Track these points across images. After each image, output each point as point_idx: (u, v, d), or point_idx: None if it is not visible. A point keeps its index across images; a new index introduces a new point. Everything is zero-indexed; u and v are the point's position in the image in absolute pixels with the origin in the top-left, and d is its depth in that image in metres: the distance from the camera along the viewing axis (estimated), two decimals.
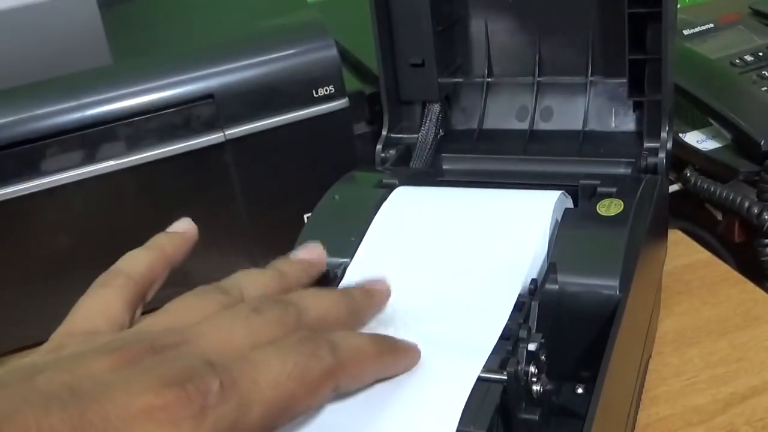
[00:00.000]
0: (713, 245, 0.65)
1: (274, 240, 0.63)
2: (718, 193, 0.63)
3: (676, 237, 0.64)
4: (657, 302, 0.55)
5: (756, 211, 0.61)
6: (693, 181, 0.65)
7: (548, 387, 0.38)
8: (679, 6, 0.57)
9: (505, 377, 0.36)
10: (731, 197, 0.62)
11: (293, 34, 0.62)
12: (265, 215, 0.64)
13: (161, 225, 0.61)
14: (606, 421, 0.37)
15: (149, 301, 0.40)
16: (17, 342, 0.62)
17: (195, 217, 0.62)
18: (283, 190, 0.64)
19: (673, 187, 0.66)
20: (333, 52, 0.62)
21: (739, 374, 0.51)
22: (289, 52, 0.61)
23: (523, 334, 0.37)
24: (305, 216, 0.65)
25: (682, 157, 0.67)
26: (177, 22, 0.70)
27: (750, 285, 0.59)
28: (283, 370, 0.31)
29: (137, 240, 0.61)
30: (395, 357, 0.37)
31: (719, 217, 0.65)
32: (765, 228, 0.61)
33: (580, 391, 0.43)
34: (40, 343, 0.62)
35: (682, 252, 0.63)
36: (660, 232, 0.53)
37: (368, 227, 0.47)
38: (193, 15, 0.71)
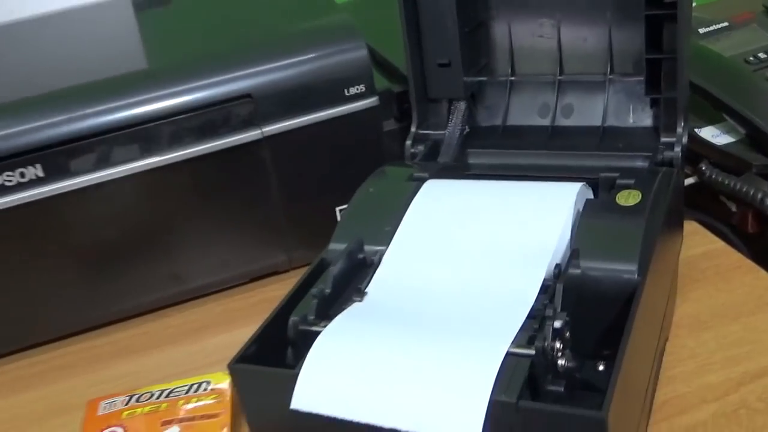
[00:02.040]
0: (727, 235, 0.68)
1: (308, 231, 0.68)
2: (732, 185, 0.66)
3: (691, 228, 0.67)
4: (673, 288, 0.58)
5: None
6: (708, 174, 0.68)
7: (572, 364, 0.42)
8: (694, 4, 0.59)
9: (533, 352, 0.39)
10: (745, 189, 0.65)
11: (326, 35, 0.65)
12: (300, 208, 0.67)
13: (203, 217, 0.66)
14: (625, 394, 0.40)
15: None
16: (62, 330, 0.66)
17: (233, 209, 0.66)
18: (316, 183, 0.67)
19: (689, 180, 0.69)
20: (364, 52, 0.65)
21: (751, 355, 0.54)
22: (322, 53, 0.64)
23: (549, 312, 0.40)
24: (337, 209, 0.68)
25: (698, 151, 0.70)
26: (210, 26, 0.73)
27: (762, 273, 0.61)
28: None
29: (181, 231, 0.65)
30: None
31: (733, 208, 0.68)
32: None
33: (601, 368, 0.46)
34: (87, 330, 0.66)
35: (698, 242, 0.65)
36: (676, 221, 0.55)
37: (402, 217, 0.51)
38: (226, 19, 0.74)
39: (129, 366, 0.63)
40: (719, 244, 0.66)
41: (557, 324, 0.40)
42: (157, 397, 0.55)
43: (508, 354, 0.39)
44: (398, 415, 0.39)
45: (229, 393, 0.55)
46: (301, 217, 0.68)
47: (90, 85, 0.63)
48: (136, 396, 0.56)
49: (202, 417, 0.53)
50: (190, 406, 0.54)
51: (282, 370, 0.43)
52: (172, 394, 0.55)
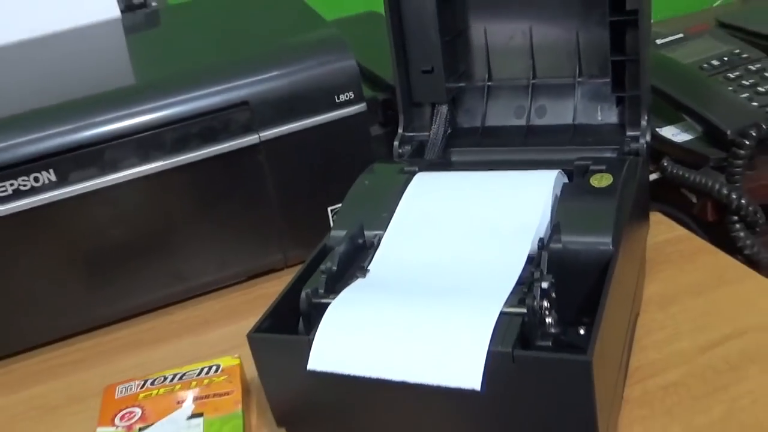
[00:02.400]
0: (689, 225, 0.74)
1: (302, 231, 0.72)
2: (692, 178, 0.72)
3: (656, 218, 0.73)
4: (642, 269, 0.63)
5: (725, 192, 0.69)
6: (669, 169, 0.74)
7: (556, 330, 0.46)
8: (652, 21, 0.65)
9: (524, 310, 0.44)
10: (704, 181, 0.71)
11: (317, 47, 0.71)
12: (294, 209, 0.72)
13: (203, 218, 0.70)
14: (605, 347, 0.45)
15: None
16: (70, 328, 0.70)
17: (232, 210, 0.71)
18: (309, 185, 0.72)
19: (652, 176, 0.75)
20: (352, 62, 0.70)
21: (715, 325, 0.59)
22: (314, 63, 0.69)
23: (537, 275, 0.45)
24: (329, 209, 0.73)
25: (659, 149, 0.75)
26: (205, 43, 0.78)
27: (722, 254, 0.67)
28: None
29: (183, 232, 0.70)
30: None
31: (694, 200, 0.73)
32: (734, 206, 0.69)
33: (582, 332, 0.51)
34: (94, 329, 0.69)
35: (663, 230, 0.71)
36: (643, 203, 0.61)
37: (397, 205, 0.56)
38: (219, 36, 0.79)
39: (137, 359, 0.67)
40: (682, 231, 0.71)
41: (545, 285, 0.45)
42: (171, 380, 0.59)
43: (501, 313, 0.44)
44: (407, 369, 0.43)
45: (239, 373, 0.59)
46: (295, 218, 0.72)
47: (97, 96, 0.67)
48: (151, 380, 0.60)
49: (215, 395, 0.57)
50: (203, 386, 0.58)
51: (297, 336, 0.48)
52: (185, 377, 0.59)
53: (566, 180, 0.57)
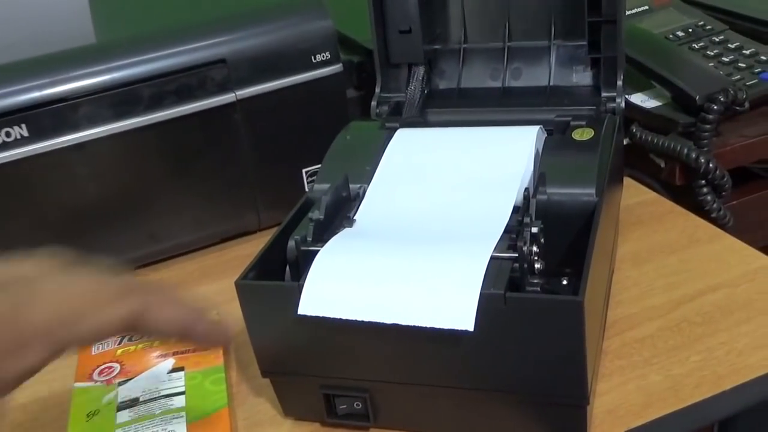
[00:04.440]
0: (657, 189, 0.75)
1: (277, 193, 0.72)
2: (661, 143, 0.73)
3: (626, 182, 0.74)
4: (617, 228, 0.64)
5: (695, 156, 0.71)
6: (639, 135, 0.75)
7: (541, 279, 0.47)
8: None
9: (515, 255, 0.45)
10: (673, 146, 0.72)
11: (294, 6, 0.70)
12: (269, 169, 0.72)
13: (178, 177, 0.69)
14: (592, 291, 0.46)
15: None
16: None
17: (208, 170, 0.70)
18: (284, 146, 0.72)
19: None
20: (329, 22, 0.70)
21: (687, 281, 0.61)
22: (291, 21, 0.69)
23: (526, 220, 0.46)
24: (304, 171, 0.73)
25: (628, 116, 0.77)
26: (184, 1, 0.77)
27: (692, 215, 0.69)
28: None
29: (157, 191, 0.69)
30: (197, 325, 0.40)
31: (662, 165, 0.75)
32: (703, 170, 0.71)
33: (565, 282, 0.52)
34: None
35: (633, 193, 0.72)
36: (619, 161, 0.62)
37: (380, 158, 0.56)
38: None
39: None
40: (652, 194, 0.73)
41: (534, 229, 0.46)
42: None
43: (491, 258, 0.45)
44: (399, 312, 0.43)
45: None
46: (270, 179, 0.72)
47: (72, 50, 0.66)
48: (128, 336, 0.59)
49: (196, 350, 0.57)
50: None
51: (287, 282, 0.47)
52: None
53: (545, 136, 0.58)
